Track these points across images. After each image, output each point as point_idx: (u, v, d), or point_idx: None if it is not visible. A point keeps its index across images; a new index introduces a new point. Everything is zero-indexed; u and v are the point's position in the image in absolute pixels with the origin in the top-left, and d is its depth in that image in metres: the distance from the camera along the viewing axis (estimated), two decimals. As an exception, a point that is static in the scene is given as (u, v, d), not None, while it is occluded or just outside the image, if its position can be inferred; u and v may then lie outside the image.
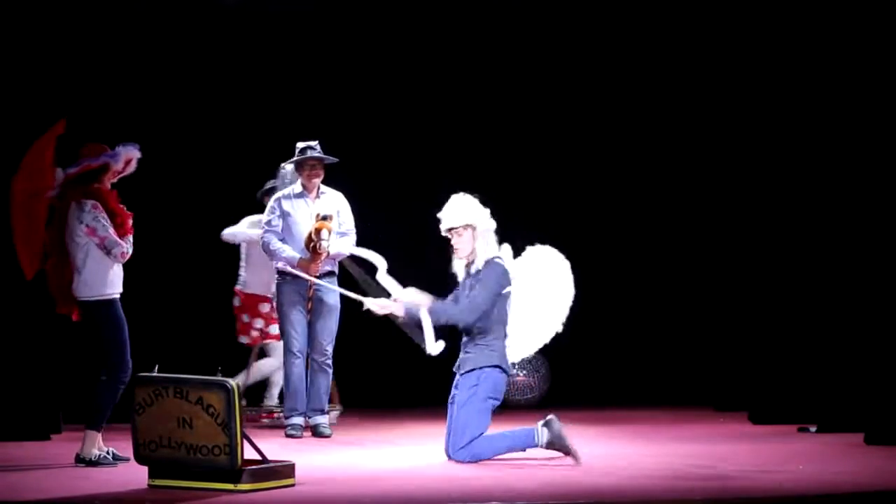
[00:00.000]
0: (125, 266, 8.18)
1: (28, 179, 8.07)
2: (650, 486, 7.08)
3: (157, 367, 7.26)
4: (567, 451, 7.72)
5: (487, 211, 7.96)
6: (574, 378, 11.93)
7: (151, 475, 7.14)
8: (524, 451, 7.83)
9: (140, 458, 7.18)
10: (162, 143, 11.20)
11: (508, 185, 11.72)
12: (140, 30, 11.04)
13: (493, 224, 7.96)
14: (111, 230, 8.08)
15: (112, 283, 8.13)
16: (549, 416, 7.85)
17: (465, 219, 7.90)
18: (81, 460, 8.03)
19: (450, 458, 7.92)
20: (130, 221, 8.23)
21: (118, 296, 8.18)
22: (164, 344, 10.25)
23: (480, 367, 7.89)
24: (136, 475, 7.25)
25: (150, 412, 7.10)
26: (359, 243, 9.39)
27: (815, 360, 9.82)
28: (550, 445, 7.77)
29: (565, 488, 7.01)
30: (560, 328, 7.97)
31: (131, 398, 7.17)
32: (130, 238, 8.19)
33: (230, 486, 6.92)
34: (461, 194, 7.99)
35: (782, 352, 10.11)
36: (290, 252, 9.43)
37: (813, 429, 9.40)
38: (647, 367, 12.02)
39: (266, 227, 9.55)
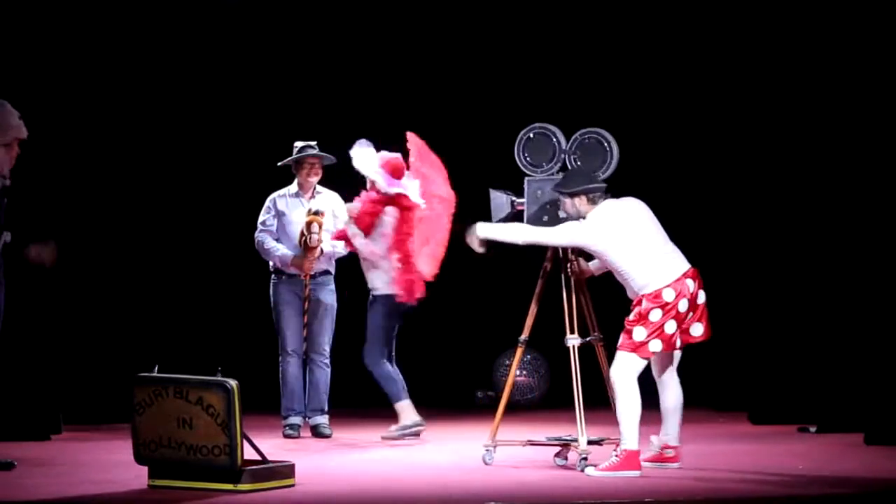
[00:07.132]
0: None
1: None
2: (650, 486, 7.09)
3: (157, 367, 7.25)
4: None
5: None
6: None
7: (151, 475, 7.14)
8: None
9: (140, 458, 7.18)
10: (162, 142, 11.25)
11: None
12: (141, 29, 11.03)
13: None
14: None
15: None
16: None
17: None
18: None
19: None
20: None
21: None
22: (164, 344, 10.25)
23: None
24: (136, 475, 7.25)
25: (150, 412, 7.09)
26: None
27: (815, 360, 9.81)
28: None
29: (565, 488, 7.02)
30: None
31: (131, 398, 7.17)
32: None
33: (230, 486, 6.92)
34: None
35: (782, 352, 10.10)
36: (284, 251, 9.45)
37: (813, 429, 9.39)
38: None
39: (260, 227, 9.56)
